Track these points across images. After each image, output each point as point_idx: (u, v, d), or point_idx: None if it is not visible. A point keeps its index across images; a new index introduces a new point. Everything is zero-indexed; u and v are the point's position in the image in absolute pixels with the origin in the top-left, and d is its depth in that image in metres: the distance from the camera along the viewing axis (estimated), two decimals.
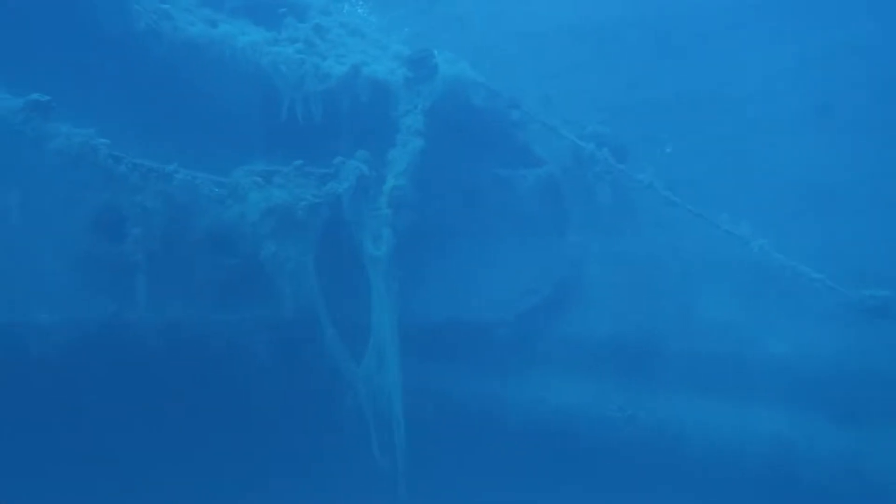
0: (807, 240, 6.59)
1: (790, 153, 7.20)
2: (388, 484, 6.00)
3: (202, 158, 6.36)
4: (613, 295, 6.96)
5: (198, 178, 5.85)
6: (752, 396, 6.36)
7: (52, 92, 5.56)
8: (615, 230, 7.18)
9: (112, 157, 5.60)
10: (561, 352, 6.76)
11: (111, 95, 6.29)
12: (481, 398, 6.67)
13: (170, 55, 6.07)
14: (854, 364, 6.24)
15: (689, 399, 6.58)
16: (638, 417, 6.38)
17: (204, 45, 6.12)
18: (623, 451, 6.26)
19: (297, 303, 6.05)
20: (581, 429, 6.41)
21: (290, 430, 6.50)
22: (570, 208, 7.16)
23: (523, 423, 6.50)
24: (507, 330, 6.73)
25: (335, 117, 6.65)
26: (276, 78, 6.33)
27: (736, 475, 6.14)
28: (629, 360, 6.66)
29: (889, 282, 6.17)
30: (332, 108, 6.56)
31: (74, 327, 5.91)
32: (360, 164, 6.03)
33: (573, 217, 7.16)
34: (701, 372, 6.73)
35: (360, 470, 6.03)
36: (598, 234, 7.04)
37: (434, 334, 6.54)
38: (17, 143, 5.40)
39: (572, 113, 7.53)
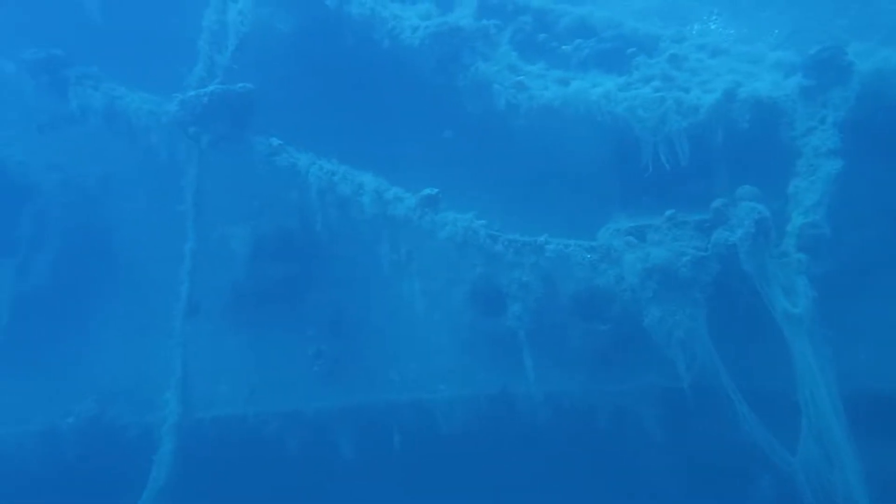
0: None
1: None
2: None
3: (569, 223, 5.33)
4: None
5: (569, 247, 4.76)
6: None
7: (427, 180, 5.18)
8: None
9: (490, 236, 4.86)
10: None
11: (480, 174, 5.68)
12: None
13: (528, 125, 5.21)
14: None
15: None
16: None
17: (558, 108, 5.17)
18: None
19: (692, 373, 4.43)
20: None
21: None
22: None
23: None
24: None
25: (705, 154, 4.93)
26: (634, 123, 4.95)
27: None
28: None
29: None
30: (700, 143, 4.86)
31: (470, 401, 5.33)
32: (756, 205, 4.20)
33: None
34: None
35: None
36: None
37: (888, 407, 4.19)
38: (415, 235, 5.28)
39: None
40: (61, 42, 5.54)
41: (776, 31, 5.67)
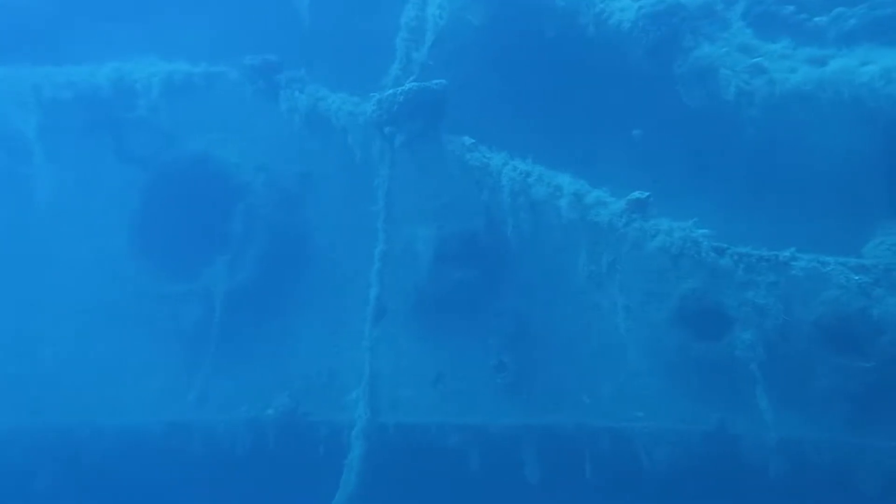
0: None
1: None
2: None
3: (816, 234, 4.00)
4: None
5: (827, 265, 3.44)
6: None
7: (634, 183, 4.43)
8: None
9: (715, 248, 3.70)
10: None
11: (698, 176, 4.56)
12: None
13: (765, 115, 3.91)
14: None
15: None
16: None
17: (810, 93, 3.79)
18: None
19: None
20: None
21: None
22: None
23: None
24: None
25: None
26: None
27: None
28: None
29: None
30: None
31: (679, 436, 4.21)
32: None
33: None
34: None
35: None
36: None
37: None
38: (620, 244, 4.34)
39: None
40: (275, 47, 5.37)
41: None
